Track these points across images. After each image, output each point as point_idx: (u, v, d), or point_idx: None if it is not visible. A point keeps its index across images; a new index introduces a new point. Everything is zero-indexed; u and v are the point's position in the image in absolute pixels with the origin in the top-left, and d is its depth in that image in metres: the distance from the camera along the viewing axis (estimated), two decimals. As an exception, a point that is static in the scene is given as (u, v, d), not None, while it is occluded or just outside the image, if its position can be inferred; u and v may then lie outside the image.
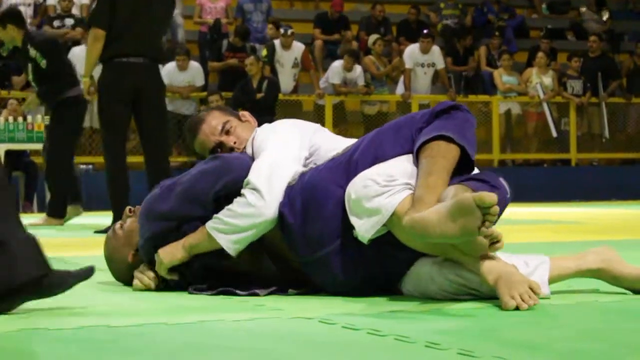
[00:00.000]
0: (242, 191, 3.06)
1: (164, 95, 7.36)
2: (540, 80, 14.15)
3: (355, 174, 2.91)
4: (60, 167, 8.00)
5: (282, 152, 3.16)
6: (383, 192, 2.80)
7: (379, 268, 2.96)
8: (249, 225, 3.04)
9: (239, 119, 3.51)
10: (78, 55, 11.98)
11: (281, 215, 3.03)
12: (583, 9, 17.30)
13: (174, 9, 7.29)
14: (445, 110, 2.99)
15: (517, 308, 2.65)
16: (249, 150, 3.29)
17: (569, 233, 6.64)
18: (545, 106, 14.19)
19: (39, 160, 11.28)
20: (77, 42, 12.64)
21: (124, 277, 3.40)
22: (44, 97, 8.06)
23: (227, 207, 3.06)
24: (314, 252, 2.99)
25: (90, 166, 12.40)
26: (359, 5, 16.25)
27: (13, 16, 8.14)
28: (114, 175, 6.92)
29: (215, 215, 3.08)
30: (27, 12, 13.27)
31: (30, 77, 8.09)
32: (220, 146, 3.42)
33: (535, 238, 6.05)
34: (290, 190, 3.05)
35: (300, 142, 3.22)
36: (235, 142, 3.40)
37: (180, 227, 3.15)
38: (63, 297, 3.20)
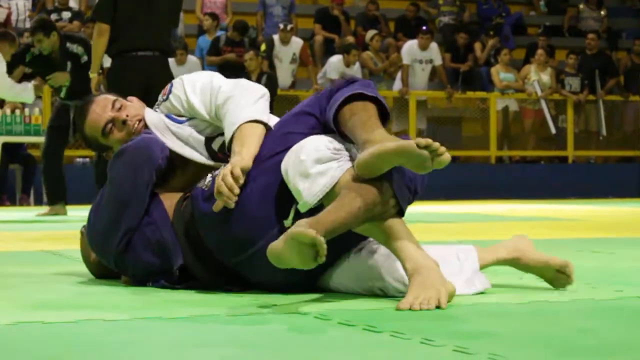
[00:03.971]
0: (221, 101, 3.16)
1: None
2: (538, 77, 14.16)
3: (264, 168, 2.93)
4: None
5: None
6: (335, 159, 2.80)
7: None
8: (260, 95, 3.18)
9: (126, 100, 3.50)
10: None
11: (204, 222, 2.99)
12: (582, 6, 17.30)
13: (181, 2, 7.27)
14: (343, 85, 2.98)
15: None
16: (150, 116, 3.33)
17: (565, 230, 6.65)
18: (543, 103, 14.20)
19: (36, 153, 11.28)
20: (74, 36, 12.62)
21: (96, 272, 3.46)
22: (79, 91, 8.16)
23: (226, 109, 3.14)
24: (244, 251, 2.95)
25: (88, 159, 12.40)
26: (357, 0, 16.24)
27: (52, 24, 8.65)
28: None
29: (228, 115, 3.11)
30: (25, 5, 13.27)
31: (68, 73, 8.33)
32: (112, 121, 3.38)
33: (531, 235, 6.03)
34: (207, 196, 2.98)
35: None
36: (127, 115, 3.39)
37: (131, 234, 3.13)
38: (57, 291, 3.20)
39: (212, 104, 3.22)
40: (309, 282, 3.00)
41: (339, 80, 3.04)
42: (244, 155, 2.96)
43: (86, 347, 2.15)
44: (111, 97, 3.46)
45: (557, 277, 3.09)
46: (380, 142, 2.69)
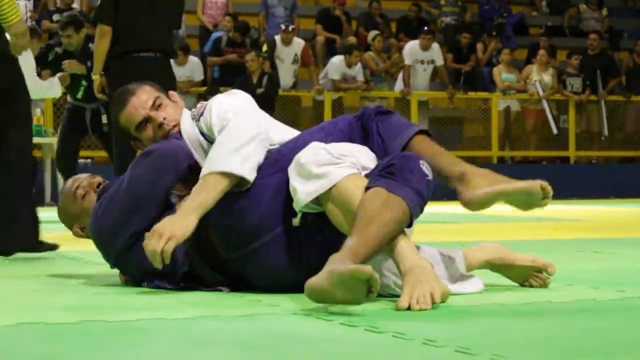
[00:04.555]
0: (217, 135, 3.04)
1: (175, 89, 7.32)
2: (540, 77, 14.15)
3: (282, 169, 2.96)
4: None
5: (240, 102, 3.17)
6: (334, 163, 2.83)
7: (314, 260, 2.91)
8: (248, 139, 2.99)
9: (169, 98, 3.42)
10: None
11: (217, 208, 2.99)
12: (583, 7, 17.30)
13: (183, 3, 7.25)
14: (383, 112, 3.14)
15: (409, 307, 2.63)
16: (186, 126, 3.24)
17: (567, 231, 6.64)
18: (545, 103, 14.19)
19: (38, 154, 11.28)
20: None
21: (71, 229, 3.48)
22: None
23: (212, 149, 3.04)
24: (249, 243, 2.98)
25: (89, 160, 12.39)
26: (359, 1, 16.24)
27: (82, 21, 8.68)
28: (124, 170, 6.91)
29: (207, 160, 3.02)
30: (26, 6, 13.25)
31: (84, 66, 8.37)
32: (148, 120, 3.31)
33: (534, 235, 6.05)
34: None
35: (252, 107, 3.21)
36: (164, 118, 3.31)
37: (139, 236, 3.10)
38: (59, 292, 3.20)
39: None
40: (301, 281, 3.00)
41: (370, 108, 3.13)
42: (186, 221, 2.92)
43: (89, 348, 2.15)
44: (154, 92, 3.37)
45: (536, 276, 3.16)
46: (483, 176, 2.93)
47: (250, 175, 2.98)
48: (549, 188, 2.90)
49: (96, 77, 7.12)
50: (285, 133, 3.21)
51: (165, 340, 2.25)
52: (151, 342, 2.23)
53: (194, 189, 3.01)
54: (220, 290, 3.06)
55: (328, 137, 3.02)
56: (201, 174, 3.01)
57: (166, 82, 6.97)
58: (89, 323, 2.47)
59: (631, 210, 10.10)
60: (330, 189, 2.81)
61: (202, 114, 3.23)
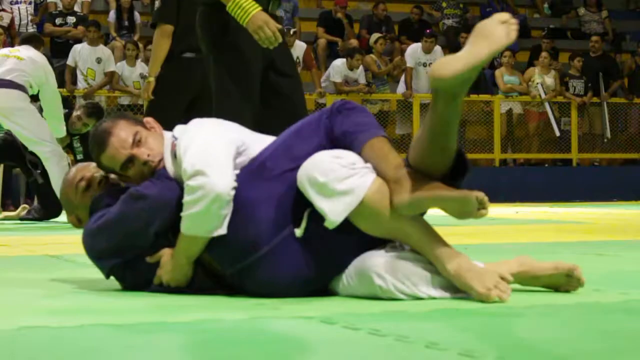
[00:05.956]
0: (185, 183, 2.97)
1: None
2: (542, 80, 14.16)
3: (270, 178, 2.97)
4: None
5: (211, 136, 3.07)
6: (353, 175, 2.85)
7: (316, 266, 2.93)
8: (206, 207, 2.91)
9: (145, 127, 3.30)
10: (80, 53, 12.05)
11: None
12: (581, 10, 17.31)
13: None
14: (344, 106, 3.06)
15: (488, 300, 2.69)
16: (168, 165, 3.16)
17: (570, 233, 6.63)
18: (547, 106, 14.19)
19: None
20: (78, 40, 12.64)
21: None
22: None
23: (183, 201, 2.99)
24: (245, 257, 2.96)
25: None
26: (361, 4, 16.26)
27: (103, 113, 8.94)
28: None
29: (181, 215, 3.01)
30: (27, 9, 13.27)
31: None
32: (132, 160, 3.20)
33: (536, 238, 6.04)
34: None
35: (226, 135, 3.10)
36: (148, 155, 3.19)
37: (136, 257, 3.14)
38: (60, 295, 3.20)
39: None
40: (310, 290, 3.00)
41: (337, 103, 3.08)
42: (176, 268, 3.08)
43: (91, 351, 2.15)
44: (131, 127, 3.24)
45: (567, 281, 3.06)
46: (419, 180, 2.91)
47: (220, 231, 2.96)
48: (486, 199, 2.85)
49: (151, 80, 6.94)
50: (263, 143, 3.16)
51: (169, 343, 2.25)
52: (152, 345, 2.22)
53: (178, 242, 3.06)
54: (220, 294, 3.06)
55: (308, 139, 3.01)
56: (181, 228, 3.02)
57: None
58: (91, 327, 2.47)
59: (634, 213, 10.10)
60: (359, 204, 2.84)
61: (175, 154, 3.14)
